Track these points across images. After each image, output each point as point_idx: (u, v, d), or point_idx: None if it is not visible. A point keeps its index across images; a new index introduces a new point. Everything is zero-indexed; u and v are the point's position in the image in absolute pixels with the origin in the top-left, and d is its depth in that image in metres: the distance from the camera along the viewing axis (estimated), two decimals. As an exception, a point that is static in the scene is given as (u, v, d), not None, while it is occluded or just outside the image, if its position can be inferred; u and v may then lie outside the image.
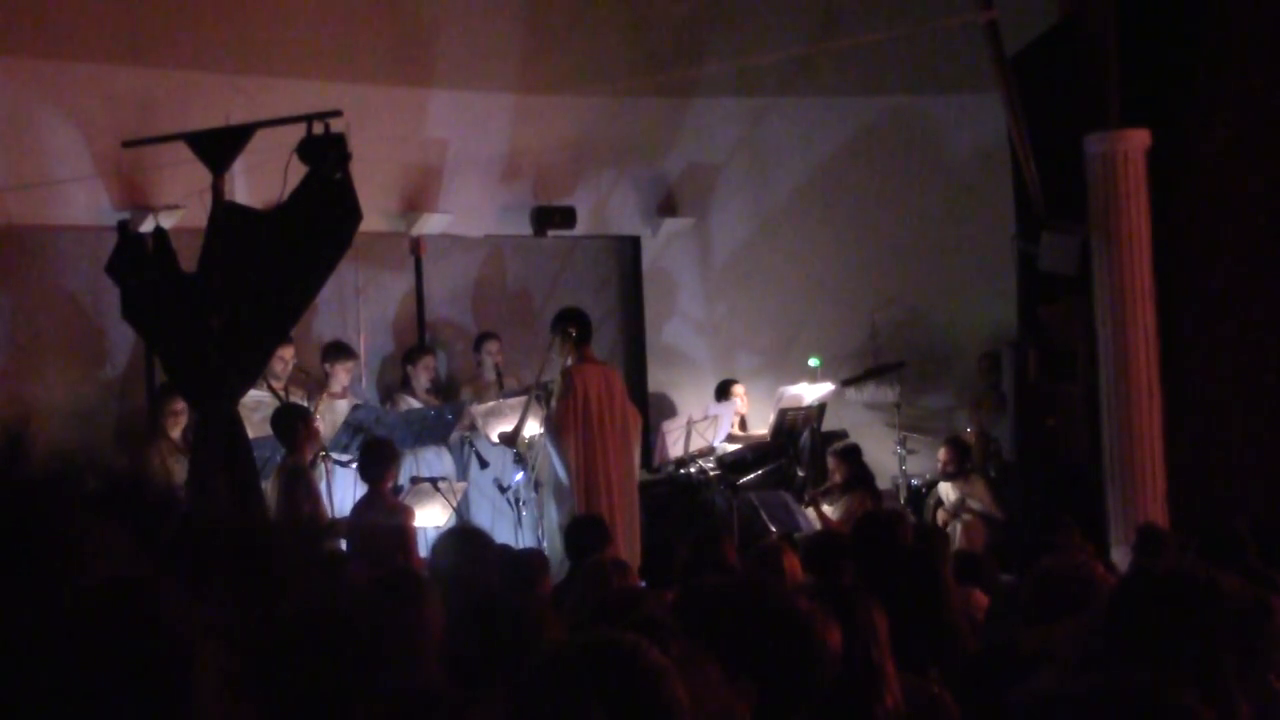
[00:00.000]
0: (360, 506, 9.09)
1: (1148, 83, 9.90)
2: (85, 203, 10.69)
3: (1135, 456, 9.89)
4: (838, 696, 3.55)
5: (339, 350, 11.09)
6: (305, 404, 10.40)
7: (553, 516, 9.97)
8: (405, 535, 8.70)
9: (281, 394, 10.52)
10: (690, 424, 11.55)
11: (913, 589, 4.70)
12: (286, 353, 10.50)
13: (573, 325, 10.28)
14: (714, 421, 11.63)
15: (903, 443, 12.25)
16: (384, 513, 8.80)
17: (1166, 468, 9.91)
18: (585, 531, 7.88)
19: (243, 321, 7.75)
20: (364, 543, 8.37)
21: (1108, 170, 9.90)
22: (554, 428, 10.09)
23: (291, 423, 9.33)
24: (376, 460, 9.14)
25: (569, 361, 10.29)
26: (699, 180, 13.17)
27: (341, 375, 10.95)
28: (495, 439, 10.87)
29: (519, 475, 10.78)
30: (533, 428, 10.49)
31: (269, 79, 10.87)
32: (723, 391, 12.34)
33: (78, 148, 10.61)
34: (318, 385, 10.98)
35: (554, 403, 10.28)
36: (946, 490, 11.36)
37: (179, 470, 9.28)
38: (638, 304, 13.18)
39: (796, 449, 11.87)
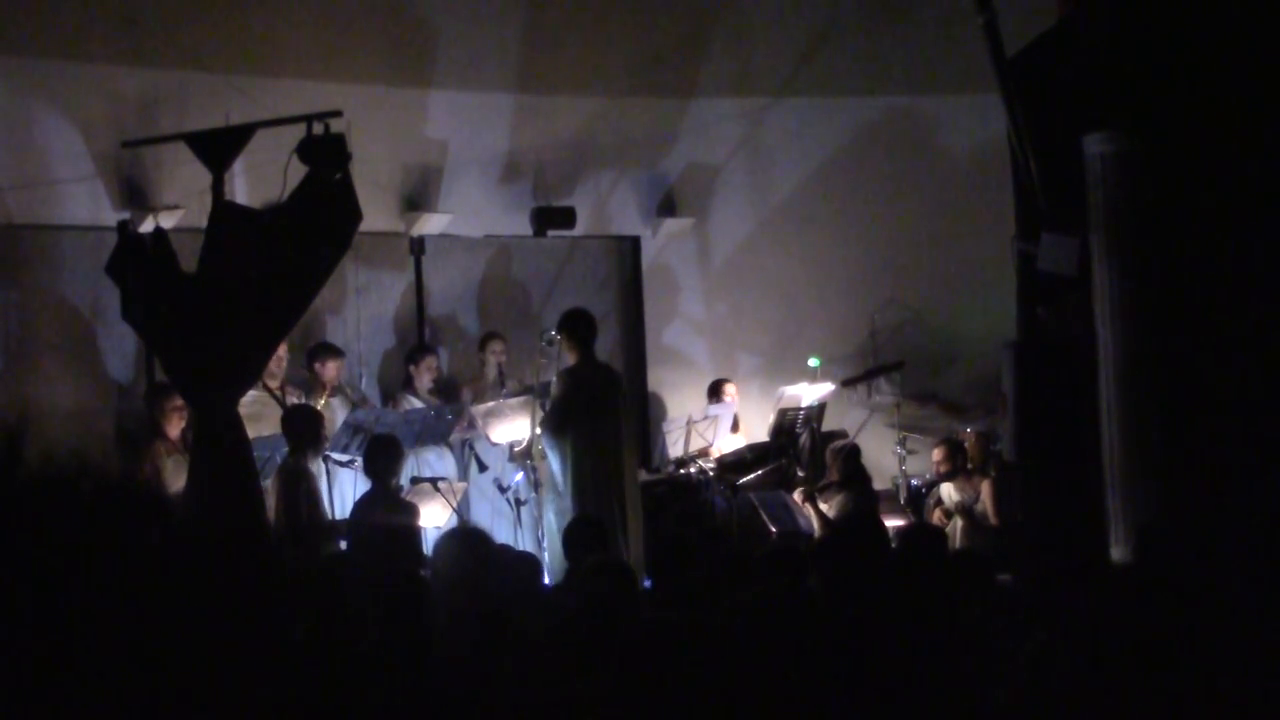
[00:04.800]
0: (363, 504, 9.05)
1: (1147, 83, 9.88)
2: (85, 203, 10.69)
3: (1135, 456, 9.87)
4: None
5: (325, 350, 11.04)
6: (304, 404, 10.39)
7: (551, 518, 9.96)
8: (412, 535, 8.64)
9: (278, 393, 10.51)
10: (690, 424, 11.54)
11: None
12: (280, 350, 10.46)
13: (580, 326, 10.26)
14: (714, 422, 11.62)
15: (903, 443, 12.23)
16: (389, 510, 8.78)
17: (1166, 468, 9.88)
18: (583, 534, 7.88)
19: (243, 321, 7.75)
20: (368, 543, 8.33)
21: (1108, 170, 9.89)
22: (551, 427, 10.08)
23: (302, 423, 9.31)
24: (383, 456, 9.11)
25: (570, 361, 10.28)
26: (699, 180, 13.16)
27: (328, 375, 10.90)
28: (495, 439, 10.87)
29: (518, 476, 10.78)
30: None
31: (269, 79, 10.86)
32: (714, 392, 12.30)
33: (78, 148, 10.61)
34: (318, 385, 10.95)
35: (551, 401, 10.28)
36: (949, 491, 11.30)
37: (177, 470, 9.26)
38: (637, 304, 13.17)
39: (796, 449, 11.85)
